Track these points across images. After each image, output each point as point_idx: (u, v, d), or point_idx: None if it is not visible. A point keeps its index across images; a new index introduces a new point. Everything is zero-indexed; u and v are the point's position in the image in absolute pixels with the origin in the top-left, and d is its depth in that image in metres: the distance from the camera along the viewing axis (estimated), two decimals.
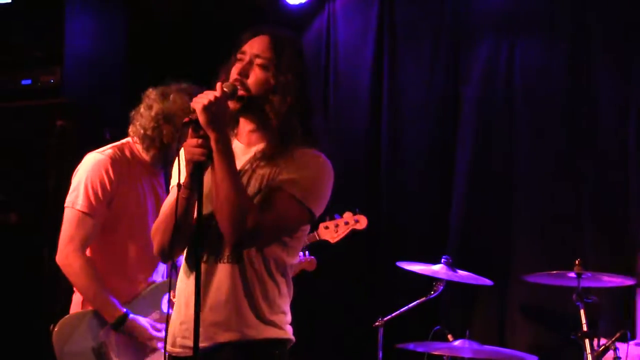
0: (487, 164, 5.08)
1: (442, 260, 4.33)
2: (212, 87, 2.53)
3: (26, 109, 4.85)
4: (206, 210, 2.52)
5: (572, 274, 4.02)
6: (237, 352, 2.54)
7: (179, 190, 2.52)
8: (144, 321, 3.40)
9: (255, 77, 2.57)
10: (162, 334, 3.41)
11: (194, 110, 2.45)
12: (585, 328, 3.91)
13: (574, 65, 4.92)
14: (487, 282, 4.38)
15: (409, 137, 5.28)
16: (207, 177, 2.56)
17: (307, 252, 4.28)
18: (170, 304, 2.69)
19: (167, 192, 3.56)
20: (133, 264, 3.46)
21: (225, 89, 2.51)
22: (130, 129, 3.53)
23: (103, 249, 3.46)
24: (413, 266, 4.33)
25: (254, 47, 2.60)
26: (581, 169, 4.85)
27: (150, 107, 3.48)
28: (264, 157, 2.57)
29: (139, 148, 3.53)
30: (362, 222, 4.29)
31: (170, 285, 3.48)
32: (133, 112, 3.53)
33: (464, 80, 5.20)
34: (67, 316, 3.45)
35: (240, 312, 2.54)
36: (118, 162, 3.44)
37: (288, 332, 2.65)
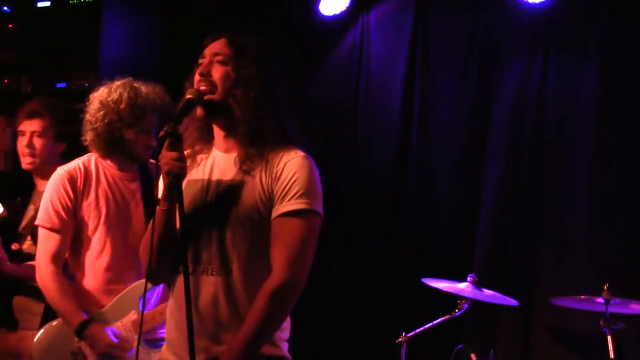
0: (516, 183, 5.03)
1: (468, 278, 4.31)
2: None
3: None
4: (193, 221, 2.55)
5: (600, 300, 3.98)
6: None
7: (157, 205, 2.55)
8: (108, 330, 3.43)
9: (216, 73, 2.59)
10: (125, 344, 3.43)
11: (170, 123, 2.48)
12: (612, 355, 3.87)
13: (608, 84, 4.87)
14: (513, 302, 4.34)
15: (438, 153, 5.26)
16: (191, 188, 2.60)
17: None
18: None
19: (144, 198, 3.60)
20: (111, 270, 3.50)
21: (190, 96, 2.55)
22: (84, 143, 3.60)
23: (78, 259, 3.54)
24: (438, 283, 4.31)
25: (213, 48, 2.64)
26: (613, 192, 4.80)
27: (83, 118, 3.56)
28: (245, 164, 2.57)
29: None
30: None
31: (146, 286, 3.52)
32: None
33: (496, 98, 5.16)
34: (45, 327, 3.54)
35: (229, 325, 2.53)
36: (76, 175, 3.52)
37: (283, 350, 2.61)
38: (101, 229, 3.49)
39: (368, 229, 5.30)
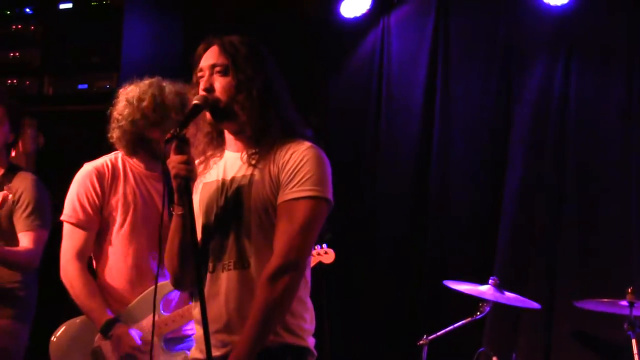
0: (537, 185, 5.01)
1: (490, 281, 4.29)
2: None
3: (81, 113, 4.92)
4: (206, 221, 2.60)
5: (624, 302, 3.95)
6: None
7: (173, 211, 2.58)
8: (132, 332, 3.41)
9: (219, 85, 2.61)
10: (147, 347, 3.35)
11: (177, 127, 2.50)
12: (636, 359, 3.83)
13: (633, 86, 4.84)
14: (535, 305, 4.32)
15: (459, 154, 5.24)
16: (208, 190, 2.65)
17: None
18: None
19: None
20: (134, 269, 3.49)
21: (197, 101, 2.58)
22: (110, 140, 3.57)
23: (103, 256, 3.52)
24: (460, 286, 4.29)
25: (208, 59, 2.65)
26: (636, 193, 4.75)
27: (110, 115, 3.53)
28: (252, 158, 2.61)
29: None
30: (330, 256, 4.33)
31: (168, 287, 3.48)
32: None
33: (517, 99, 5.14)
34: (63, 326, 3.52)
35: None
36: (104, 171, 3.50)
37: (307, 342, 2.62)
38: (127, 227, 3.48)
39: (389, 231, 5.28)
